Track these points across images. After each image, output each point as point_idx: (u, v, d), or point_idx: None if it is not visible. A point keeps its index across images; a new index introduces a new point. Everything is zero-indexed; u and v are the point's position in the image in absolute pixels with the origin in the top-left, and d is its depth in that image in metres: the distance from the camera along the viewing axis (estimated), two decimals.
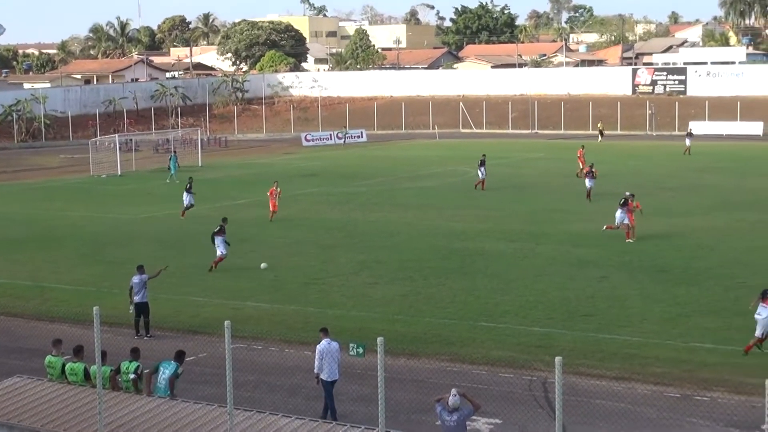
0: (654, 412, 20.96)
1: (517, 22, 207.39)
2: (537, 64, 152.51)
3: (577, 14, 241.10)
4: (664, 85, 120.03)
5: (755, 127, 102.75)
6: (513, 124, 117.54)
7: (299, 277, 36.13)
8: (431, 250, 41.08)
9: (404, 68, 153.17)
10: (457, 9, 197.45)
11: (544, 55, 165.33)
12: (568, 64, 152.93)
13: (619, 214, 42.61)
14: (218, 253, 37.28)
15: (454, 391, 16.71)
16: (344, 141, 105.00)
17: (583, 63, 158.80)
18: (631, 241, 41.64)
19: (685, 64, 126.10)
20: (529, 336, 27.32)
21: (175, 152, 76.30)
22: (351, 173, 72.61)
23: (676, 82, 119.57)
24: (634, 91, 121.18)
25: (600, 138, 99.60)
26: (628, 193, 43.67)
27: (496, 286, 33.74)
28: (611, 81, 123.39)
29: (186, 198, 51.73)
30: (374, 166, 77.60)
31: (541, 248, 40.91)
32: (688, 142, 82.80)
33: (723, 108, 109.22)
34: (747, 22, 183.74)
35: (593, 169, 55.38)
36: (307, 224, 48.68)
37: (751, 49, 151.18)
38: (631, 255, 38.99)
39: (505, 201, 55.83)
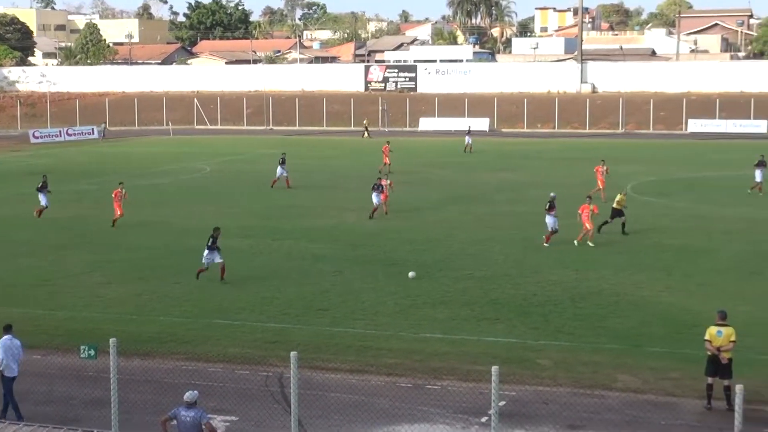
0: (387, 402, 21.45)
1: (252, 19, 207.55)
2: (271, 61, 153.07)
3: (310, 11, 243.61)
4: (396, 82, 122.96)
5: (482, 123, 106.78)
6: (248, 120, 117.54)
7: (27, 278, 34.86)
8: (165, 248, 40.53)
9: (137, 63, 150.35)
10: (190, 4, 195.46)
11: (279, 51, 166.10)
12: (302, 60, 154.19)
13: (548, 219, 40.17)
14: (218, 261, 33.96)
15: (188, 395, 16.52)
16: (103, 136, 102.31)
17: (317, 60, 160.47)
18: (591, 244, 39.33)
19: (415, 61, 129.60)
20: (265, 332, 27.40)
21: None
22: (82, 171, 70.59)
23: (407, 79, 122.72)
24: (366, 88, 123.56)
25: (366, 134, 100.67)
26: (552, 194, 41.04)
27: (231, 282, 33.64)
28: (344, 78, 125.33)
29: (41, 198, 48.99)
30: (107, 164, 75.79)
31: (277, 244, 41.10)
32: (468, 140, 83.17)
33: (451, 104, 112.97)
34: (474, 21, 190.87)
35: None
36: (35, 224, 47.02)
37: (477, 48, 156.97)
38: (364, 249, 39.74)
39: (243, 197, 55.77)
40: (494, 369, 15.91)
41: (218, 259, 33.78)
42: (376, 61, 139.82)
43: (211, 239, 33.93)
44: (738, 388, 15.14)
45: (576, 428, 19.92)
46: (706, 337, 21.02)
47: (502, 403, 18.17)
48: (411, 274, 33.87)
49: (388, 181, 48.85)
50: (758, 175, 55.41)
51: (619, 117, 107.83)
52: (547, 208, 40.30)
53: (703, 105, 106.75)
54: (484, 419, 19.92)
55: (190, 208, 51.72)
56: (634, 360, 24.31)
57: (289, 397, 18.34)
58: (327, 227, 45.10)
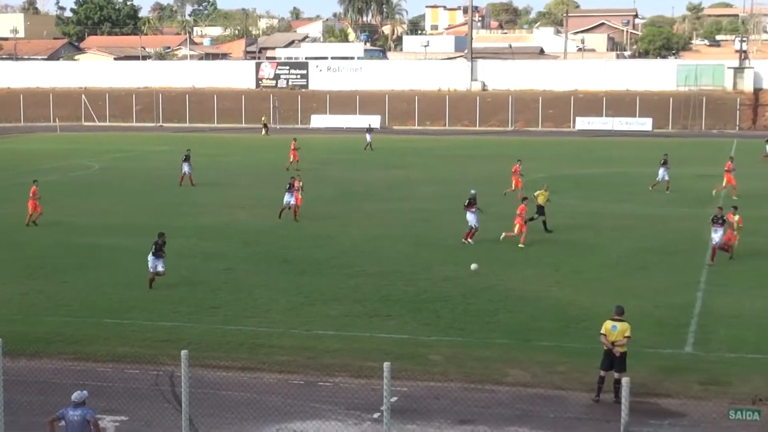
0: (279, 399, 21.36)
1: (141, 14, 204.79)
2: (161, 57, 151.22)
3: (201, 8, 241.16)
4: (287, 80, 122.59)
5: (374, 120, 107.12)
6: (137, 116, 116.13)
7: None
8: (54, 246, 39.78)
9: (22, 59, 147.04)
10: None
11: (169, 47, 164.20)
12: (192, 57, 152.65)
13: (469, 216, 40.06)
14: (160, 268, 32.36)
15: (76, 395, 16.26)
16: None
17: (208, 56, 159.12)
18: (522, 246, 38.55)
19: (307, 58, 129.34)
20: (156, 331, 27.06)
21: None
22: None
23: (299, 76, 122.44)
24: (257, 85, 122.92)
25: (264, 132, 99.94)
26: (473, 191, 41.04)
27: (122, 281, 33.16)
28: (235, 75, 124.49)
29: None
30: None
31: (168, 242, 40.53)
32: (368, 137, 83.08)
33: (343, 102, 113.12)
34: (365, 19, 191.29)
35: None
36: None
37: (368, 46, 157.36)
38: (255, 246, 39.55)
39: (132, 194, 55.02)
40: (386, 365, 15.97)
41: (160, 268, 31.97)
42: (267, 58, 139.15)
43: (154, 246, 32.28)
44: (624, 381, 15.45)
45: (467, 423, 20.11)
46: (602, 331, 21.41)
47: (394, 399, 18.23)
48: (474, 266, 33.45)
49: (300, 183, 46.88)
50: (662, 173, 56.35)
51: (509, 114, 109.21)
52: (466, 204, 40.44)
53: (590, 103, 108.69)
54: (376, 415, 19.98)
55: (79, 205, 50.85)
56: (524, 354, 24.63)
57: (180, 396, 18.14)
58: (219, 225, 44.76)
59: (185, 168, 58.85)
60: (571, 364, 23.62)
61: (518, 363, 23.93)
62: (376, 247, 39.36)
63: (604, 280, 33.33)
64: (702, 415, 18.83)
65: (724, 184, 53.34)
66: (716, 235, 35.97)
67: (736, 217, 36.53)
